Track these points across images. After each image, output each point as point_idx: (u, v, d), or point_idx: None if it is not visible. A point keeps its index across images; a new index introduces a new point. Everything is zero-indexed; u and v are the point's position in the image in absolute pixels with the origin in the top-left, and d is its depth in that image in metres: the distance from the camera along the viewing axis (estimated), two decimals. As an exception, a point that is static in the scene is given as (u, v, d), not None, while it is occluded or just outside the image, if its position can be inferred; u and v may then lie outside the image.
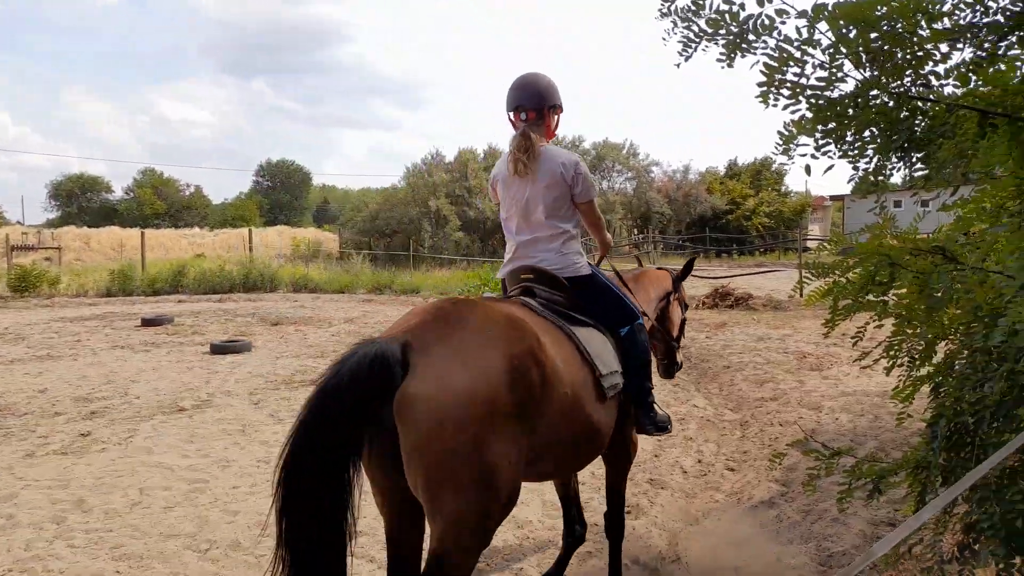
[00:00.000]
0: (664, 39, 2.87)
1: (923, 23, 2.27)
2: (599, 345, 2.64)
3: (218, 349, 9.67)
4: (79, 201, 58.78)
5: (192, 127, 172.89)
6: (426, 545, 2.10)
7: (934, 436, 2.40)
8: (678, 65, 2.92)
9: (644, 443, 5.30)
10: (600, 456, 2.93)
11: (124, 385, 7.63)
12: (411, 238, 28.38)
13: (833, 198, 41.53)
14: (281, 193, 77.53)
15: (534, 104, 2.97)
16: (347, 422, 1.92)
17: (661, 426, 3.05)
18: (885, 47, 2.41)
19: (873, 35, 2.40)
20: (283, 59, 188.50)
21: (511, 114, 3.04)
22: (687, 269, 3.92)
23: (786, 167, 2.94)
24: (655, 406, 3.01)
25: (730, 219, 35.86)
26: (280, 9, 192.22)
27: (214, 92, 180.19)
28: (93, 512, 4.13)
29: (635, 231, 37.27)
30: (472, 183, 33.33)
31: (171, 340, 10.86)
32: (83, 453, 5.26)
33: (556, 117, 3.07)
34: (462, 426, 1.93)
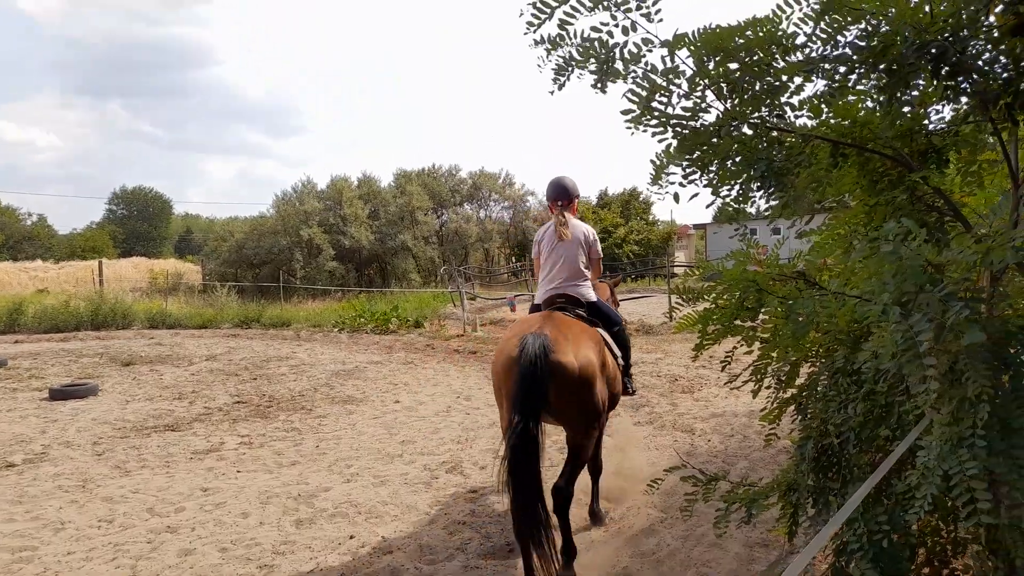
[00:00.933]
0: (539, 67, 2.83)
1: (778, 55, 2.34)
2: (608, 337, 4.17)
3: (58, 394, 8.71)
4: None
5: (35, 151, 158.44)
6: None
7: (803, 458, 2.44)
8: (552, 92, 2.89)
9: (524, 475, 5.19)
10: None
11: (-62, 441, 6.66)
12: (281, 269, 27.23)
13: (696, 227, 44.07)
14: (138, 222, 72.41)
15: (566, 197, 4.60)
16: (540, 370, 3.35)
17: (634, 389, 4.64)
18: (745, 78, 2.47)
19: (732, 65, 2.45)
20: (141, 81, 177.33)
21: (550, 203, 4.65)
22: (617, 283, 5.73)
23: (659, 196, 2.97)
24: (632, 376, 4.61)
25: (602, 247, 37.10)
26: (137, 28, 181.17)
27: (62, 114, 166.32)
28: None
29: (512, 259, 37.74)
30: (347, 211, 32.56)
31: (2, 386, 9.68)
32: None
33: (576, 201, 4.73)
34: (585, 378, 3.55)
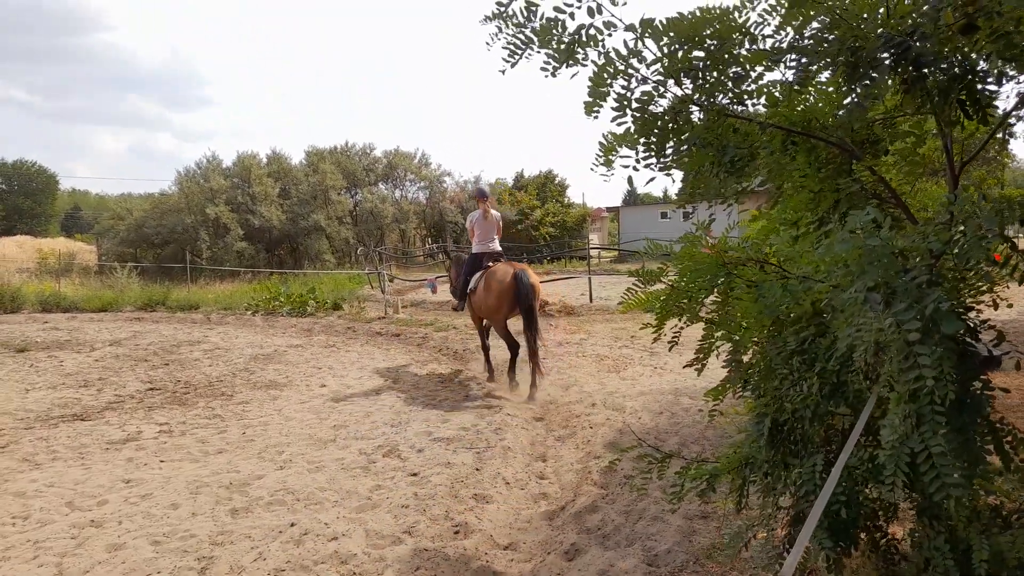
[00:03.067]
0: (488, 44, 2.80)
1: (745, 43, 2.41)
2: None
3: (-55, 384, 8.02)
4: None
5: None
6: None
7: (760, 434, 2.55)
8: (503, 71, 2.87)
9: (464, 457, 5.20)
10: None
11: None
12: (186, 249, 25.96)
13: (609, 209, 44.94)
14: (19, 198, 67.08)
15: (486, 196, 8.49)
16: (528, 285, 7.42)
17: None
18: (707, 63, 2.52)
19: (698, 53, 2.50)
20: (19, 43, 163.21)
21: (478, 199, 8.53)
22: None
23: (605, 177, 3.01)
24: None
25: (520, 229, 37.30)
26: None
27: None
28: None
29: (429, 240, 37.42)
30: (256, 189, 31.33)
31: None
32: None
33: (491, 200, 8.43)
34: (537, 290, 7.63)
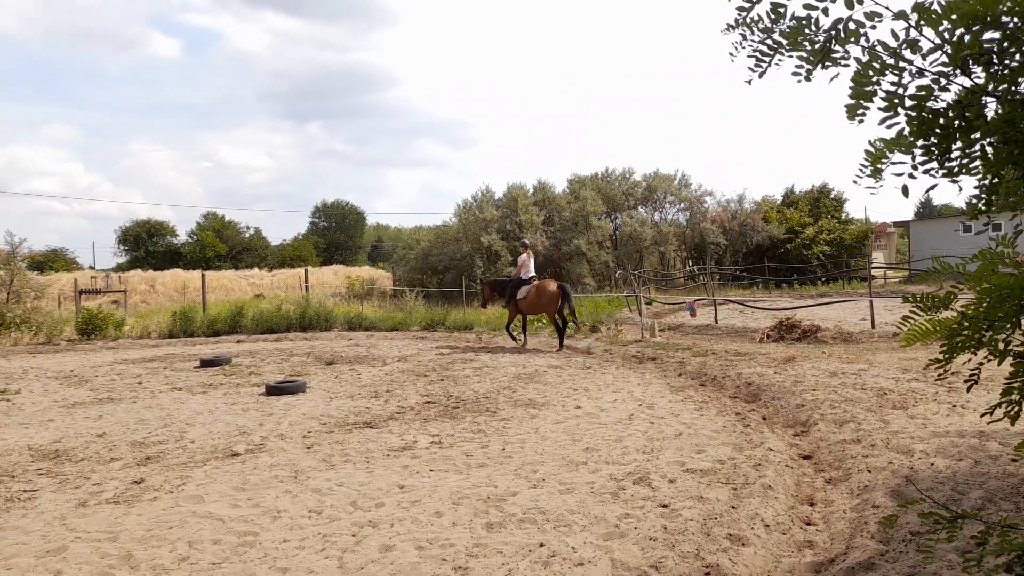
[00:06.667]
0: (732, 55, 2.64)
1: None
2: None
3: (273, 390, 9.62)
4: (146, 245, 61.01)
5: (251, 171, 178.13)
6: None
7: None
8: (749, 82, 2.68)
9: (718, 493, 4.89)
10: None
11: (180, 429, 7.58)
12: (463, 274, 28.36)
13: (897, 224, 40.03)
14: (336, 233, 79.33)
15: (528, 246, 15.81)
16: (569, 293, 14.44)
17: None
18: (1005, 46, 2.10)
19: (990, 35, 2.10)
20: (334, 104, 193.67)
21: (524, 248, 15.72)
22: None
23: (872, 190, 2.64)
24: None
25: (789, 248, 34.82)
26: (329, 57, 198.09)
27: (271, 138, 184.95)
28: (140, 568, 3.95)
29: (689, 262, 36.56)
30: (523, 218, 33.27)
31: (228, 381, 10.89)
32: (135, 502, 5.14)
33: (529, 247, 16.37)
34: (571, 296, 15.01)
